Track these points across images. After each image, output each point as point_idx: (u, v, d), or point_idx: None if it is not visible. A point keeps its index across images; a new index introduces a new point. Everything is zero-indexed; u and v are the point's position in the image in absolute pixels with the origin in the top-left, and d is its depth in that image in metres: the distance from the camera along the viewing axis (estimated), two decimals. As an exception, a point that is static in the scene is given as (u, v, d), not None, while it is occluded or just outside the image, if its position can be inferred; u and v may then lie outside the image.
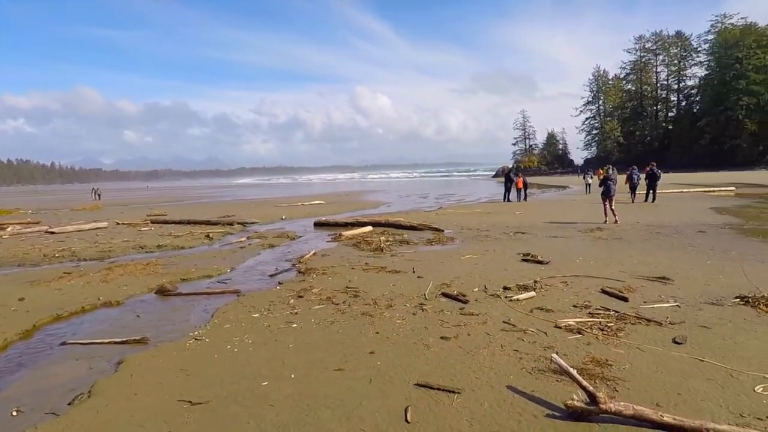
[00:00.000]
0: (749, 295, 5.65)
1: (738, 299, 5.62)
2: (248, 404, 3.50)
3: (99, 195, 43.35)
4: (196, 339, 4.97)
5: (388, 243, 11.05)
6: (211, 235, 13.81)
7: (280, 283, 7.53)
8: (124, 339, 5.03)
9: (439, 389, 3.59)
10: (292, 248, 11.26)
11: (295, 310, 5.87)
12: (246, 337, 4.97)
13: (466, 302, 5.93)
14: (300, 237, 13.29)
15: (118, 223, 17.85)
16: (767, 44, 64.34)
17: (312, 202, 27.50)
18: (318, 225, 15.78)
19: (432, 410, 3.30)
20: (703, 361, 3.97)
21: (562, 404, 3.22)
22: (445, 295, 6.33)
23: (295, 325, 5.31)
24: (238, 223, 16.67)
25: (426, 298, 6.20)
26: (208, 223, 17.03)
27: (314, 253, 9.98)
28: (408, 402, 3.41)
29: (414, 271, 7.89)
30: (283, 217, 19.12)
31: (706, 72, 74.57)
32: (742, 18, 70.05)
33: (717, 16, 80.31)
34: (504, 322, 5.15)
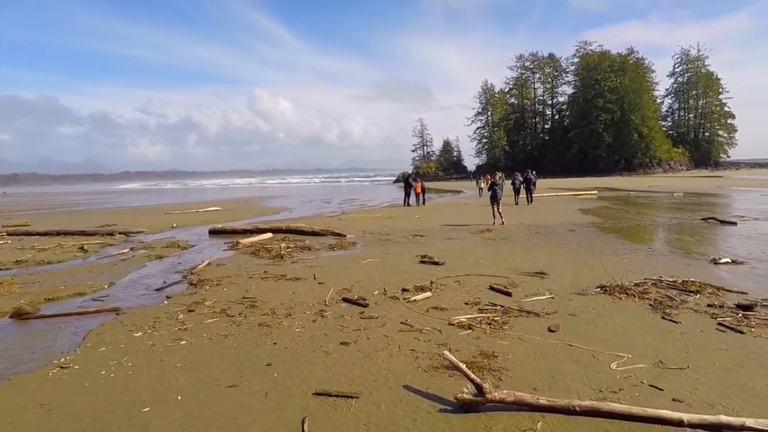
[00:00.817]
0: (607, 285, 6.55)
1: (599, 288, 6.48)
2: (125, 435, 3.15)
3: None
4: (61, 367, 4.35)
5: (289, 250, 10.79)
6: (85, 247, 12.24)
7: (168, 297, 6.93)
8: (-35, 375, 4.22)
9: (337, 396, 3.57)
10: (183, 258, 10.43)
11: (185, 326, 5.44)
12: (125, 360, 4.47)
13: (366, 306, 6.00)
14: (193, 246, 12.38)
15: (-39, 237, 14.98)
16: (618, 69, 75.64)
17: (208, 209, 25.79)
18: (214, 233, 14.83)
19: (330, 418, 3.27)
20: (572, 345, 4.48)
21: (453, 398, 3.40)
22: (345, 300, 6.34)
23: (184, 342, 4.91)
24: (120, 233, 15.01)
25: (326, 305, 6.16)
26: (83, 233, 15.06)
27: (208, 263, 9.36)
28: (305, 412, 3.34)
29: (315, 278, 7.80)
30: (174, 226, 17.65)
31: (573, 90, 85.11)
32: (599, 46, 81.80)
33: (580, 42, 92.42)
34: (402, 323, 5.31)
